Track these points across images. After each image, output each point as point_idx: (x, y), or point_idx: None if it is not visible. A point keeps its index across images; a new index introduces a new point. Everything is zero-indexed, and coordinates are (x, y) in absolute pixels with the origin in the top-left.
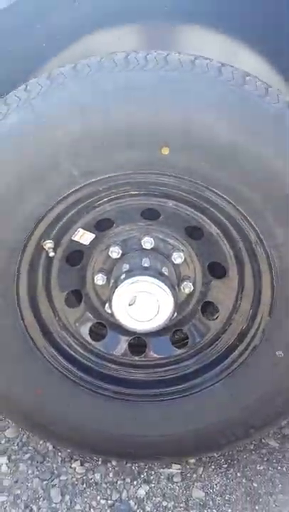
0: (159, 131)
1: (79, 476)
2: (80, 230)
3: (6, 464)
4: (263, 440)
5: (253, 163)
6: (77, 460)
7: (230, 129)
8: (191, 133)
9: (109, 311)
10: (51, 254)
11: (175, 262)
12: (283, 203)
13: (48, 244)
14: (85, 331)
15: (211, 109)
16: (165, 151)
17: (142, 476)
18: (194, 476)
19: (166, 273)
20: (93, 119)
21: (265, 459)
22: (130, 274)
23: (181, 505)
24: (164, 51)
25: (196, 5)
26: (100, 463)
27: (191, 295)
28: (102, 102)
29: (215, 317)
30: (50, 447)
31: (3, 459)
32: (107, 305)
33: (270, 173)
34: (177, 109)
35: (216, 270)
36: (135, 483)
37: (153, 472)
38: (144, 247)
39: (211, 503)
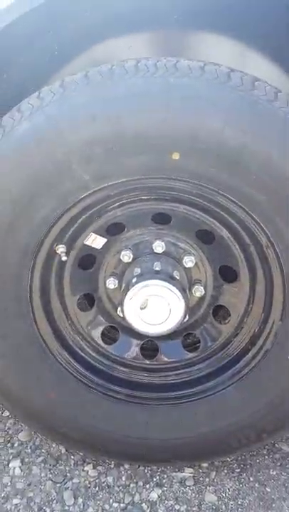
0: (169, 137)
1: (92, 479)
2: (92, 234)
3: (20, 466)
4: (276, 445)
5: (262, 168)
6: (89, 463)
7: (239, 134)
8: (201, 138)
9: (121, 315)
10: (64, 258)
11: (186, 266)
12: None
13: (61, 249)
14: (96, 334)
15: (220, 114)
16: (175, 156)
17: (155, 479)
18: (207, 480)
19: (177, 277)
20: (104, 125)
21: (279, 464)
22: (141, 277)
23: (194, 508)
24: (173, 58)
25: (205, 12)
26: (112, 466)
27: (202, 299)
28: (113, 108)
29: (226, 321)
30: (63, 450)
31: (17, 462)
32: (118, 308)
33: (279, 177)
34: (187, 114)
35: (227, 274)
36: (148, 486)
37: (165, 476)
38: (155, 251)
39: (223, 507)
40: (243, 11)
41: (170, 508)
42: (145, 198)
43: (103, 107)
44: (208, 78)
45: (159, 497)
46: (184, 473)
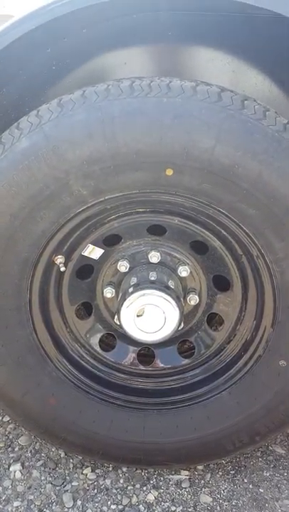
0: (163, 154)
1: (90, 482)
2: (90, 245)
3: (20, 470)
4: (269, 447)
5: (252, 184)
6: (88, 466)
7: (229, 152)
8: (193, 155)
9: (117, 323)
10: (62, 268)
11: (181, 275)
12: (283, 220)
13: (59, 260)
14: (95, 341)
15: (211, 133)
16: (169, 172)
17: (152, 481)
18: (202, 482)
19: (172, 286)
20: (101, 143)
21: (272, 466)
22: (138, 287)
23: (190, 509)
24: (166, 78)
25: (200, 28)
26: (110, 469)
27: (196, 307)
28: (109, 127)
29: (220, 328)
30: (62, 454)
31: (17, 466)
32: (115, 317)
33: (269, 192)
34: (179, 133)
35: (220, 283)
36: (145, 488)
37: (162, 478)
38: (151, 261)
39: (218, 508)
40: (238, 27)
41: (166, 509)
42: (141, 210)
43: (100, 126)
44: (199, 98)
45: (155, 499)
46: (180, 476)
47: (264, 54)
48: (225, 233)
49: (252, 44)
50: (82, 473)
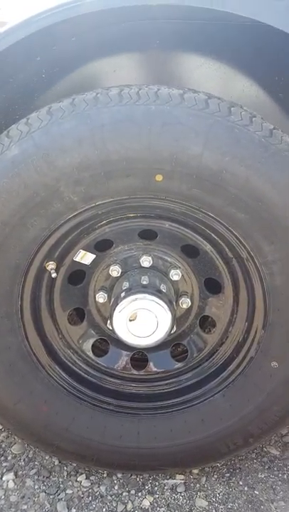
0: (152, 161)
1: (85, 489)
2: (81, 251)
3: (13, 480)
4: (264, 449)
5: (240, 188)
6: (82, 474)
7: (217, 158)
8: (182, 161)
9: (110, 328)
10: (53, 275)
11: (173, 279)
12: (271, 224)
13: (51, 265)
14: (87, 347)
15: (198, 139)
16: (159, 178)
17: (147, 487)
18: (197, 485)
19: (164, 290)
20: (91, 150)
21: (267, 467)
22: (130, 292)
23: None
24: (154, 86)
25: (188, 36)
26: (105, 476)
27: (189, 310)
28: (98, 134)
29: (212, 331)
30: (56, 462)
31: (10, 475)
32: (108, 322)
33: (256, 197)
34: (168, 140)
35: (212, 286)
36: (140, 494)
37: (157, 483)
38: (142, 265)
39: (214, 511)
40: (224, 34)
41: None
42: (132, 215)
43: (89, 133)
44: (187, 105)
45: (151, 504)
46: (175, 480)
47: (251, 60)
48: (215, 237)
49: (239, 50)
50: (76, 481)
